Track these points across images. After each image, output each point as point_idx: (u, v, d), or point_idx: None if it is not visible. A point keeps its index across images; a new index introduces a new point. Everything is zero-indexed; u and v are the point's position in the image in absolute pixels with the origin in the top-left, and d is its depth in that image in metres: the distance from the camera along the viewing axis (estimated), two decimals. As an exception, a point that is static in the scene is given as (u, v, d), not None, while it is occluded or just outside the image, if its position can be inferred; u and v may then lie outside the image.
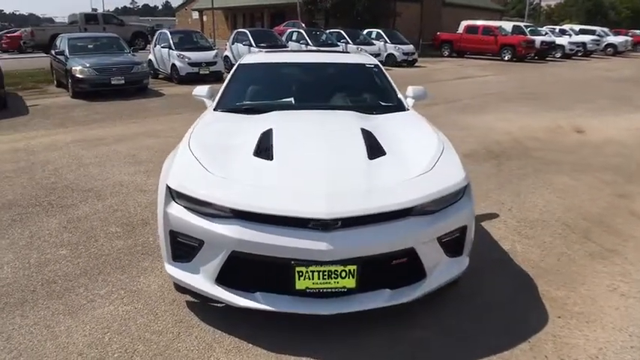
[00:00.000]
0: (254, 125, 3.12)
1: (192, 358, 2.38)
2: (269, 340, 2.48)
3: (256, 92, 3.96)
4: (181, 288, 2.72)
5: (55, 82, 12.09)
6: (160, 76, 14.02)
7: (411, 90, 4.02)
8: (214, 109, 3.65)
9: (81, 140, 6.82)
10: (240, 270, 2.42)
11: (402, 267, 2.44)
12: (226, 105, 3.70)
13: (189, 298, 2.80)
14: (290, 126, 3.15)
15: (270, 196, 2.35)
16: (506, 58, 22.38)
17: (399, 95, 3.87)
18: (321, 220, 2.24)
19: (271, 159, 2.64)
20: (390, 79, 4.05)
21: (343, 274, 2.30)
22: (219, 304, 2.65)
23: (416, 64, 20.12)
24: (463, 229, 2.62)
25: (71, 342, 2.49)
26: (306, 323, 2.53)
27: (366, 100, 3.87)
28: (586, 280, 3.11)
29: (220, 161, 2.64)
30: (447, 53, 24.80)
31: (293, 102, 3.78)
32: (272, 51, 6.25)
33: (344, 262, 2.28)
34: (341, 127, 3.13)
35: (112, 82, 10.35)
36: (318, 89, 3.98)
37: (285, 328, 2.54)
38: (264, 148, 2.75)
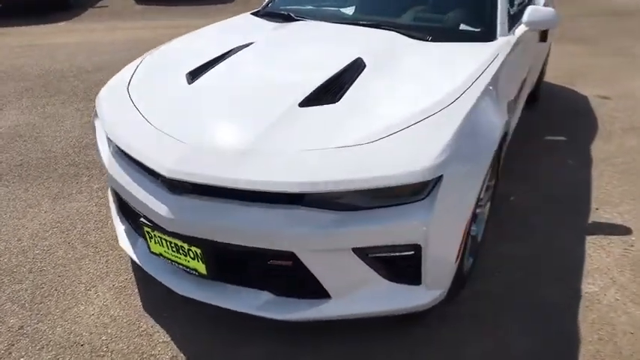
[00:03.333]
0: (248, 36, 2.50)
1: (80, 281, 2.24)
2: (153, 292, 2.14)
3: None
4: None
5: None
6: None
7: (527, 13, 2.58)
8: (252, 13, 3.08)
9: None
10: (124, 209, 2.06)
11: (291, 272, 1.68)
12: (270, 8, 3.09)
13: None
14: (273, 43, 2.40)
15: (144, 131, 1.82)
16: None
17: (498, 20, 2.53)
18: (164, 176, 1.64)
19: (191, 82, 2.05)
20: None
21: (191, 253, 1.71)
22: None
23: None
24: (415, 249, 1.62)
25: (27, 226, 2.63)
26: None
27: (442, 20, 2.65)
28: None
29: (151, 81, 2.18)
30: None
31: (350, 12, 2.89)
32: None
33: (187, 240, 1.67)
34: (334, 53, 2.21)
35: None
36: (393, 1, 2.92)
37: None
38: (204, 67, 2.16)
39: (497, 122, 1.93)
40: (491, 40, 2.41)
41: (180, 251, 1.73)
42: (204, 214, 1.62)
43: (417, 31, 2.46)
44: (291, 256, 1.59)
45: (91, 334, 1.97)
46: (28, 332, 1.97)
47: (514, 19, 2.73)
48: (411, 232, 1.58)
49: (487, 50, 2.28)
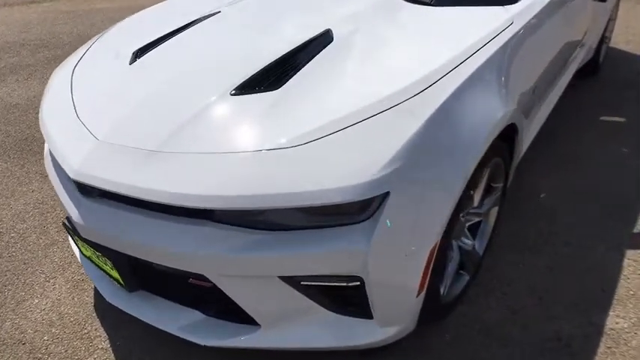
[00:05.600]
0: (223, 4, 2.19)
1: (42, 271, 2.14)
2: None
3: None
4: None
5: None
6: None
7: None
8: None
9: None
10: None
11: (213, 294, 1.43)
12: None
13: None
14: (239, 12, 2.06)
15: (68, 123, 1.60)
16: None
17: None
18: (70, 177, 1.43)
19: (132, 62, 1.79)
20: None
21: (107, 262, 1.51)
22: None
23: None
24: (357, 280, 1.30)
25: (12, 206, 2.58)
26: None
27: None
28: None
29: (98, 62, 1.95)
30: None
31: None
32: None
33: (99, 248, 1.47)
34: (302, 25, 1.83)
35: None
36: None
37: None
38: (153, 44, 1.89)
39: (493, 114, 1.50)
40: (511, 3, 1.92)
41: (100, 259, 1.54)
42: (111, 222, 1.39)
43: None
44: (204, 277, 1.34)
45: (36, 332, 1.86)
46: (-23, 325, 1.91)
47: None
48: (348, 262, 1.26)
49: (499, 17, 1.80)
